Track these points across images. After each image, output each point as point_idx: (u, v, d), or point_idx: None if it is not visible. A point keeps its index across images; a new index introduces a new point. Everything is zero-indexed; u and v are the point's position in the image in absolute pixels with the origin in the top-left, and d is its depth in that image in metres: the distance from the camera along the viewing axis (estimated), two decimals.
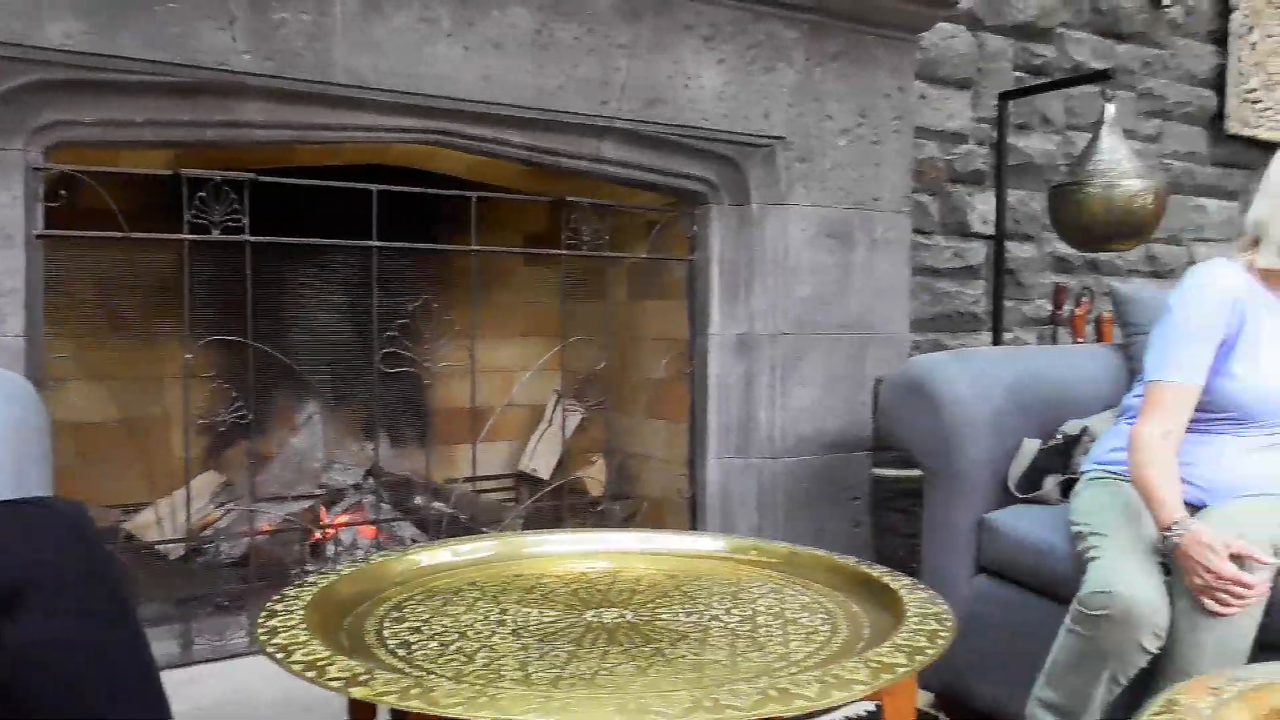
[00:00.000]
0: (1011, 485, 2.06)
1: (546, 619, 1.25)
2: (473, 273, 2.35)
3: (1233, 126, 4.01)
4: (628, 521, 2.77)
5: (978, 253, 3.39)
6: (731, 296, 2.58)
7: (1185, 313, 1.74)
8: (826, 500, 2.64)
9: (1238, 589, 1.49)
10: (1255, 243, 1.78)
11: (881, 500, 2.64)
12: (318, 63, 1.96)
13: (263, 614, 1.15)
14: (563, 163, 2.35)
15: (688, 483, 2.65)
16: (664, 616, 1.27)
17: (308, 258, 2.52)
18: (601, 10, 2.24)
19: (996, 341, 3.13)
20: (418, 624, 1.23)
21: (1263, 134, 4.08)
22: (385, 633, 1.20)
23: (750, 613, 1.28)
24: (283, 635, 1.08)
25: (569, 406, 2.86)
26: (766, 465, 2.58)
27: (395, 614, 1.27)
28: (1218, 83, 4.01)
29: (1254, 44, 4.05)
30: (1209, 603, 1.51)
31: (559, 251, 2.47)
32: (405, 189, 2.19)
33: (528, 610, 1.28)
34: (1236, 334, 1.73)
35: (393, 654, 1.12)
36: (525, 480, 3.04)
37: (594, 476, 2.84)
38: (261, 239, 2.03)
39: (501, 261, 2.80)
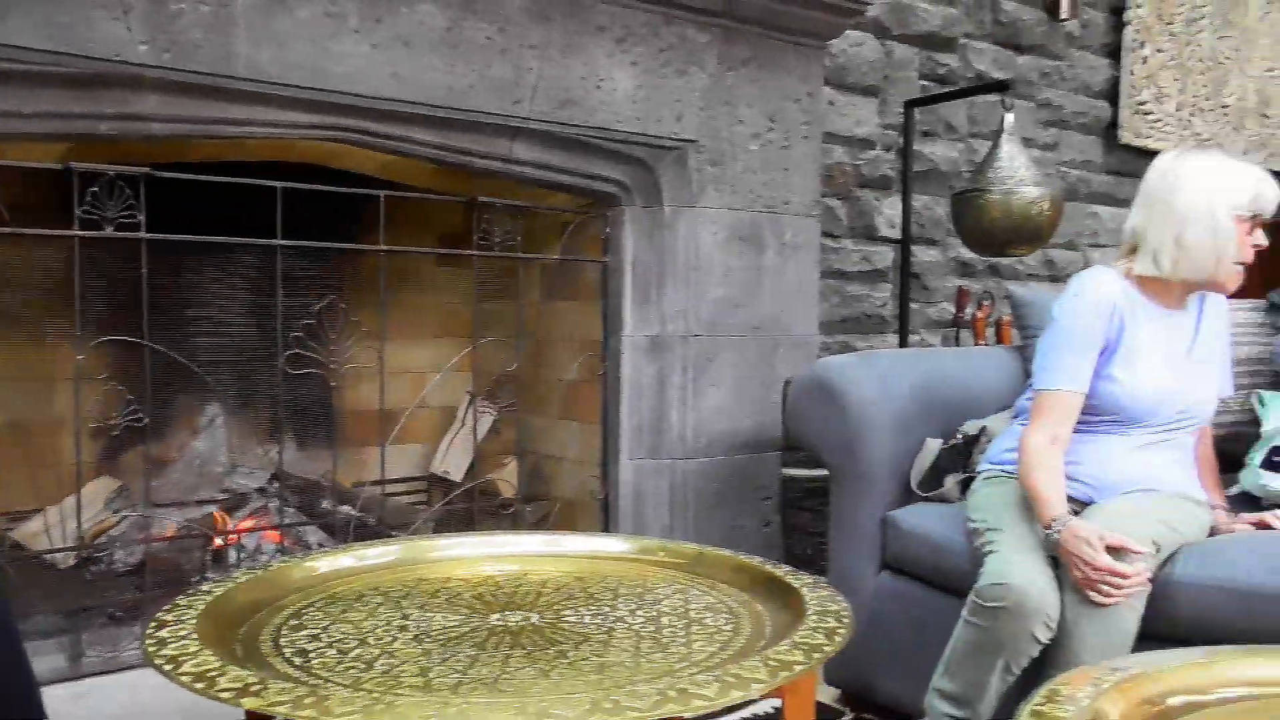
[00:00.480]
0: (914, 484, 2.11)
1: (450, 623, 1.24)
2: (382, 273, 2.32)
3: (1125, 137, 4.18)
4: (540, 523, 2.76)
5: (885, 256, 3.47)
6: (644, 298, 2.59)
7: (1067, 322, 1.82)
8: (738, 500, 2.67)
9: (1115, 580, 1.55)
10: (1133, 250, 1.86)
11: (791, 499, 2.68)
12: (218, 55, 1.90)
13: (152, 624, 1.12)
14: (475, 163, 2.33)
15: (600, 484, 2.65)
16: (569, 619, 1.27)
17: (209, 256, 2.45)
18: (512, 11, 2.23)
19: (903, 343, 3.21)
20: (316, 631, 1.20)
21: (1153, 144, 4.26)
22: (282, 641, 1.17)
23: (655, 614, 1.29)
24: (172, 646, 1.05)
25: (481, 408, 2.83)
26: (679, 466, 2.60)
27: (294, 622, 1.24)
28: (1112, 94, 4.17)
29: (1145, 58, 4.22)
30: (1091, 594, 1.57)
31: (470, 252, 2.45)
32: (311, 187, 2.15)
33: (431, 615, 1.27)
34: (1116, 340, 1.81)
35: (289, 663, 1.10)
36: (438, 482, 3.00)
37: (506, 478, 2.83)
38: (158, 236, 1.96)
39: (413, 262, 2.77)
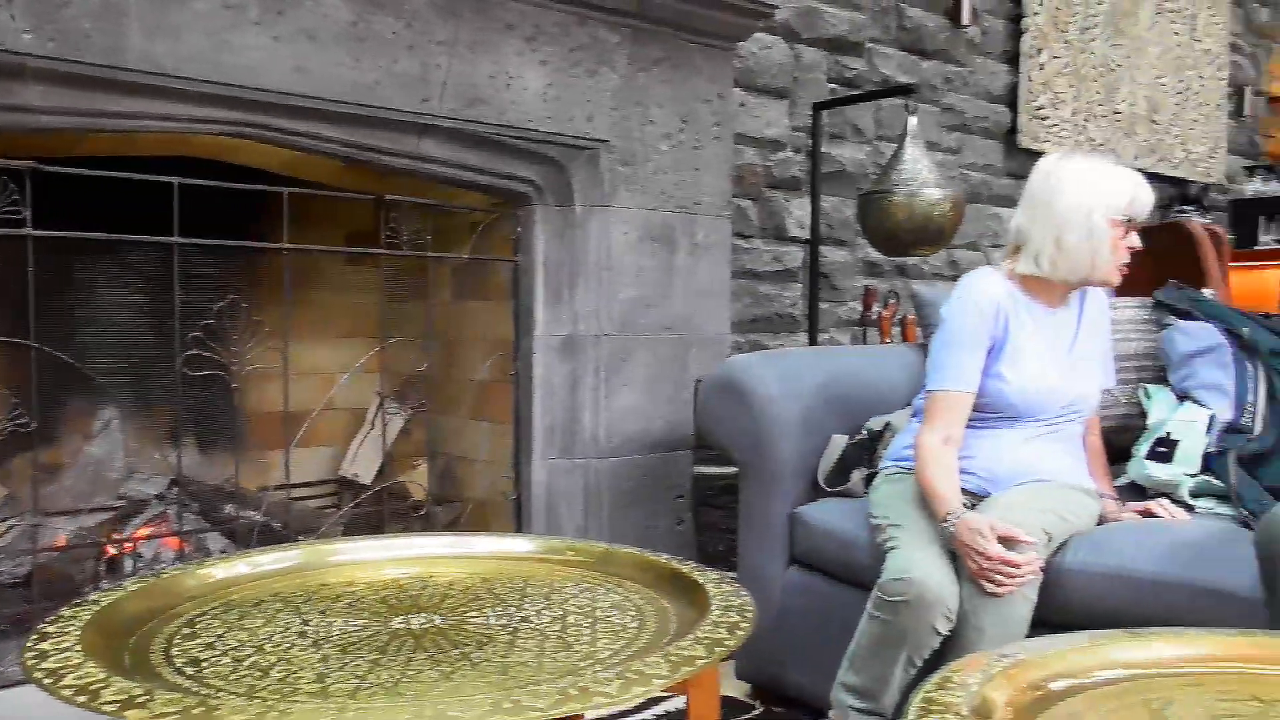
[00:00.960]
0: (821, 479, 2.15)
1: (351, 628, 1.22)
2: (285, 271, 2.26)
3: (1024, 141, 4.32)
4: (452, 525, 2.73)
5: (795, 256, 3.53)
6: (556, 298, 2.59)
7: (954, 324, 1.87)
8: (651, 498, 2.68)
9: (1007, 569, 1.61)
10: (1018, 250, 1.92)
11: (703, 497, 2.70)
12: (108, 46, 1.84)
13: (33, 637, 1.07)
14: (382, 160, 2.29)
15: (513, 484, 2.64)
16: (474, 620, 1.25)
17: (103, 254, 2.36)
18: (420, 6, 2.20)
19: (812, 342, 3.26)
20: (211, 640, 1.17)
21: (1050, 148, 4.40)
22: (174, 651, 1.14)
23: (561, 613, 1.28)
24: (54, 659, 1.01)
25: (391, 409, 2.79)
26: (591, 465, 2.60)
27: (187, 631, 1.20)
28: (1011, 100, 4.31)
29: (1042, 65, 4.37)
30: (986, 584, 1.62)
31: (377, 250, 2.41)
32: (210, 183, 2.09)
33: (331, 620, 1.25)
34: (1002, 339, 1.86)
35: (180, 673, 1.07)
36: (347, 485, 2.95)
37: (417, 480, 2.79)
38: (45, 233, 1.89)
39: (320, 260, 2.71)
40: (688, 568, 1.40)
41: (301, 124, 2.14)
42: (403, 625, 1.23)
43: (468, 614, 1.28)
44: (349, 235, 2.78)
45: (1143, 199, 1.84)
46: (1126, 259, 1.86)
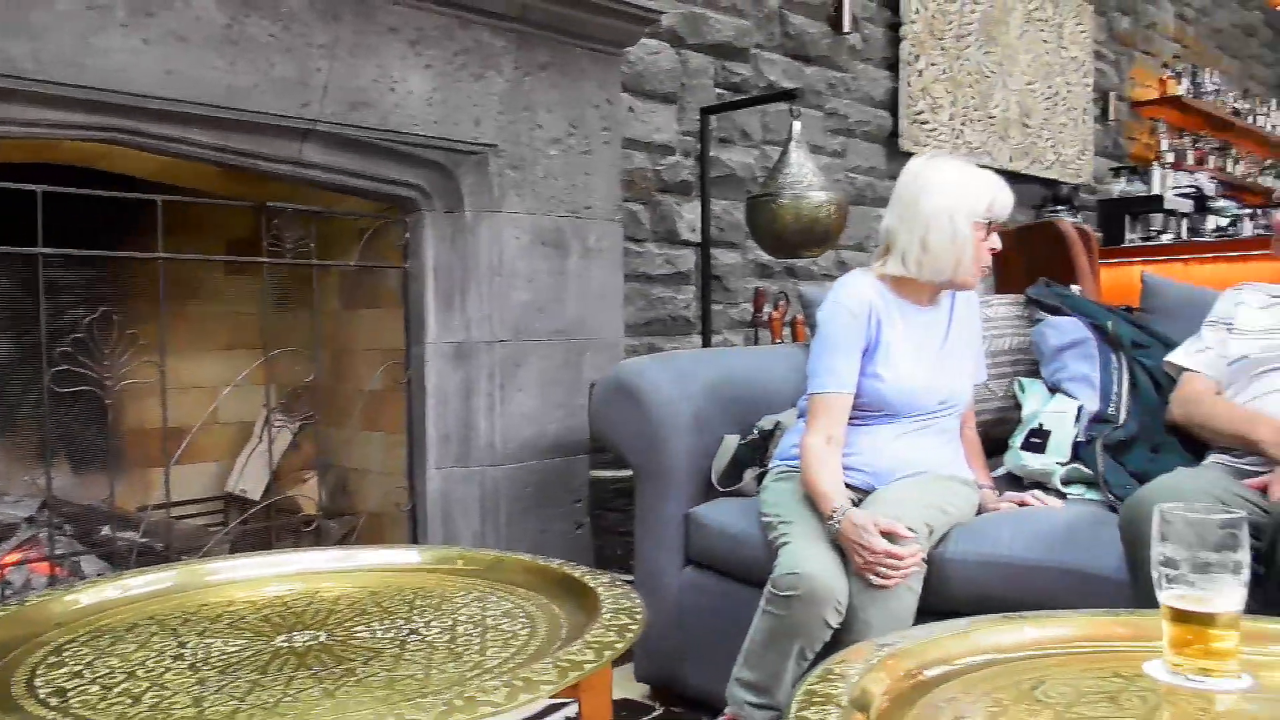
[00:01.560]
0: (714, 479, 2.18)
1: (231, 649, 1.18)
2: (161, 281, 2.18)
3: (905, 144, 4.46)
4: (345, 539, 2.67)
5: (687, 259, 3.56)
6: (447, 304, 2.56)
7: (828, 329, 1.92)
8: (549, 504, 2.67)
9: (891, 562, 1.65)
10: (889, 250, 1.97)
11: (600, 500, 2.70)
12: None
13: None
14: (261, 165, 2.23)
15: (407, 495, 2.60)
16: (360, 635, 1.23)
17: None
18: (297, 8, 2.15)
19: (706, 344, 3.30)
20: (79, 668, 1.12)
21: (930, 151, 4.56)
22: (37, 681, 1.08)
23: (451, 623, 1.27)
24: None
25: (279, 422, 2.72)
26: (488, 473, 2.58)
27: (53, 659, 1.15)
28: (892, 105, 4.44)
29: (920, 71, 4.52)
30: (872, 578, 1.66)
31: (259, 259, 2.34)
32: (78, 190, 2.00)
33: (210, 641, 1.20)
34: (875, 340, 1.91)
35: (44, 704, 1.02)
36: (235, 502, 2.86)
37: (308, 494, 2.72)
38: None
39: (199, 270, 2.62)
40: (579, 572, 1.40)
41: (173, 129, 2.06)
42: (285, 644, 1.20)
43: (354, 629, 1.25)
44: (230, 243, 2.69)
45: (1002, 201, 1.91)
46: (988, 260, 1.92)
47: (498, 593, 1.41)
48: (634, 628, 1.15)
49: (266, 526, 2.53)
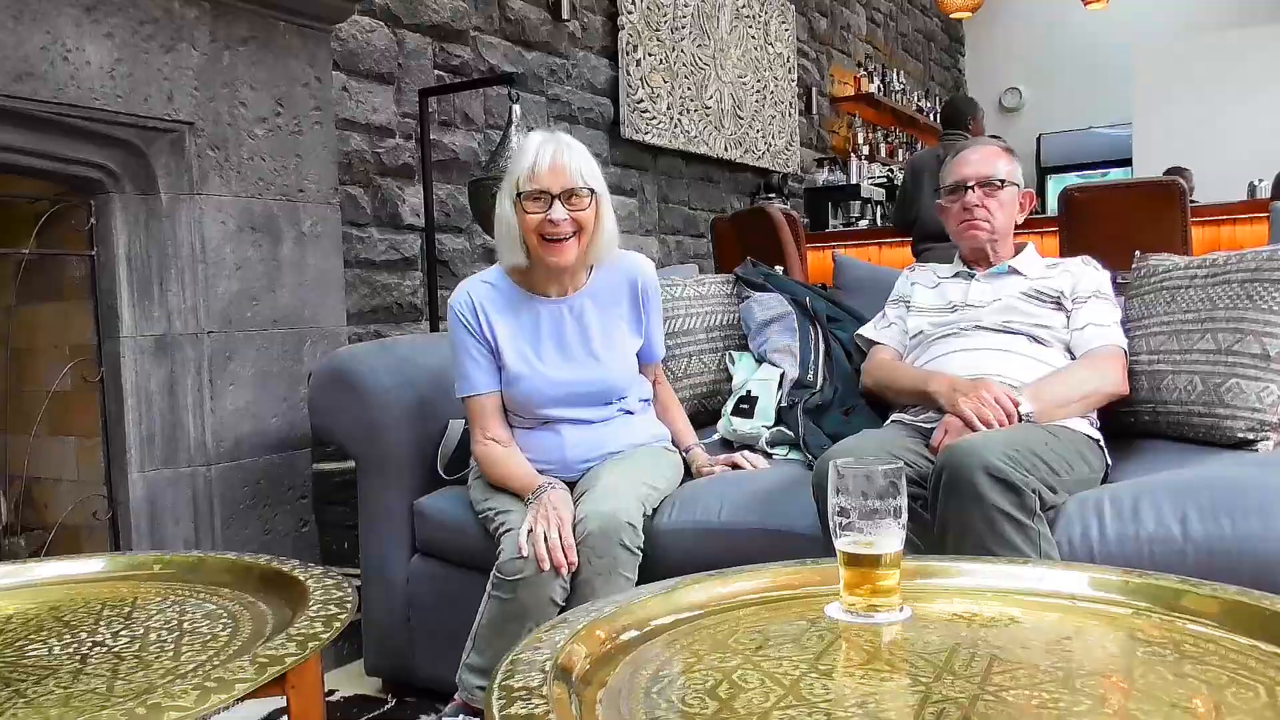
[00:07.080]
0: (440, 468, 2.16)
1: None
2: None
3: (627, 132, 4.59)
4: (36, 555, 2.42)
5: (412, 245, 3.49)
6: (145, 295, 2.36)
7: (451, 334, 1.93)
8: (271, 502, 2.54)
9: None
10: None
11: (324, 495, 2.61)
12: None
13: None
14: None
15: (107, 503, 2.39)
16: (34, 653, 1.12)
17: None
18: None
19: (434, 330, 3.25)
20: None
21: (652, 140, 4.73)
22: None
23: (143, 631, 1.18)
24: None
25: None
26: (200, 473, 2.41)
27: None
28: (613, 92, 4.55)
29: (639, 60, 4.67)
30: (546, 559, 1.71)
31: None
32: None
33: None
34: (494, 340, 1.91)
35: None
36: None
37: None
38: None
39: None
40: (288, 566, 1.35)
41: None
42: None
43: (27, 648, 1.14)
44: None
45: (542, 164, 1.76)
46: (550, 232, 1.80)
47: (198, 595, 1.33)
48: (342, 616, 1.12)
49: None
